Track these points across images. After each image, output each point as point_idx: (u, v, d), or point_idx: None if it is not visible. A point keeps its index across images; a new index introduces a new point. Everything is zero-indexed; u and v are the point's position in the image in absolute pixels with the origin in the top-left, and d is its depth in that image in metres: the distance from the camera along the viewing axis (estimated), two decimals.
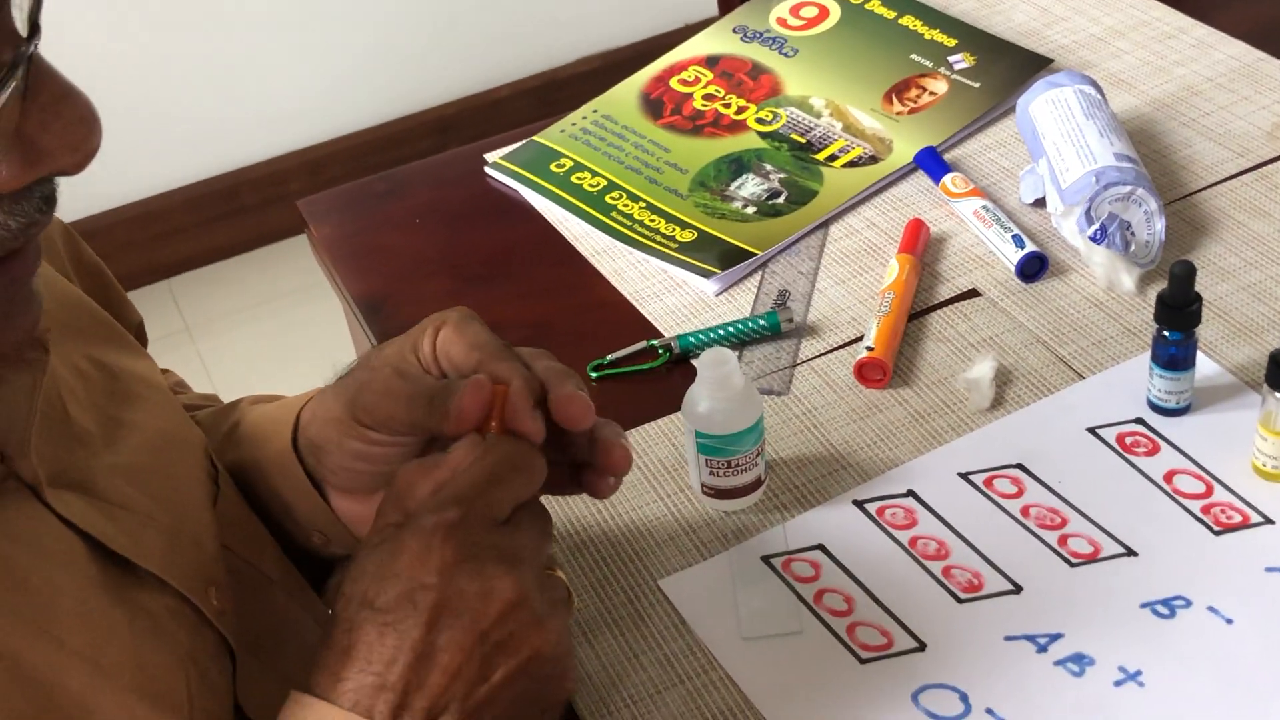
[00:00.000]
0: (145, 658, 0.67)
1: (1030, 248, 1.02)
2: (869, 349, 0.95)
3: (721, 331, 0.99)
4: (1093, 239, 0.99)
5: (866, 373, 0.95)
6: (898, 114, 1.18)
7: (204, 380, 2.40)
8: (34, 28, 0.56)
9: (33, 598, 0.64)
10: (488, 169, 1.21)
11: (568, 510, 0.89)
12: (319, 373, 0.85)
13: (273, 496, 0.84)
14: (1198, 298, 0.87)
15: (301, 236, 2.63)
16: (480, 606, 0.65)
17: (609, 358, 0.99)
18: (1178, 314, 0.87)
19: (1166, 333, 0.88)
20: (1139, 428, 0.90)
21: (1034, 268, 1.02)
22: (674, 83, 1.25)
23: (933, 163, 1.13)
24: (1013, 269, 1.02)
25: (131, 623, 0.67)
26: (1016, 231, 1.03)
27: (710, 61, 1.27)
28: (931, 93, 1.20)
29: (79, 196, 2.40)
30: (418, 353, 0.76)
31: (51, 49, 0.57)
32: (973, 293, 1.02)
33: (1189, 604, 0.79)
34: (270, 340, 2.57)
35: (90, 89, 0.59)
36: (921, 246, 1.05)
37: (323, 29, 2.56)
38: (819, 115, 1.19)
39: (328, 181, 2.50)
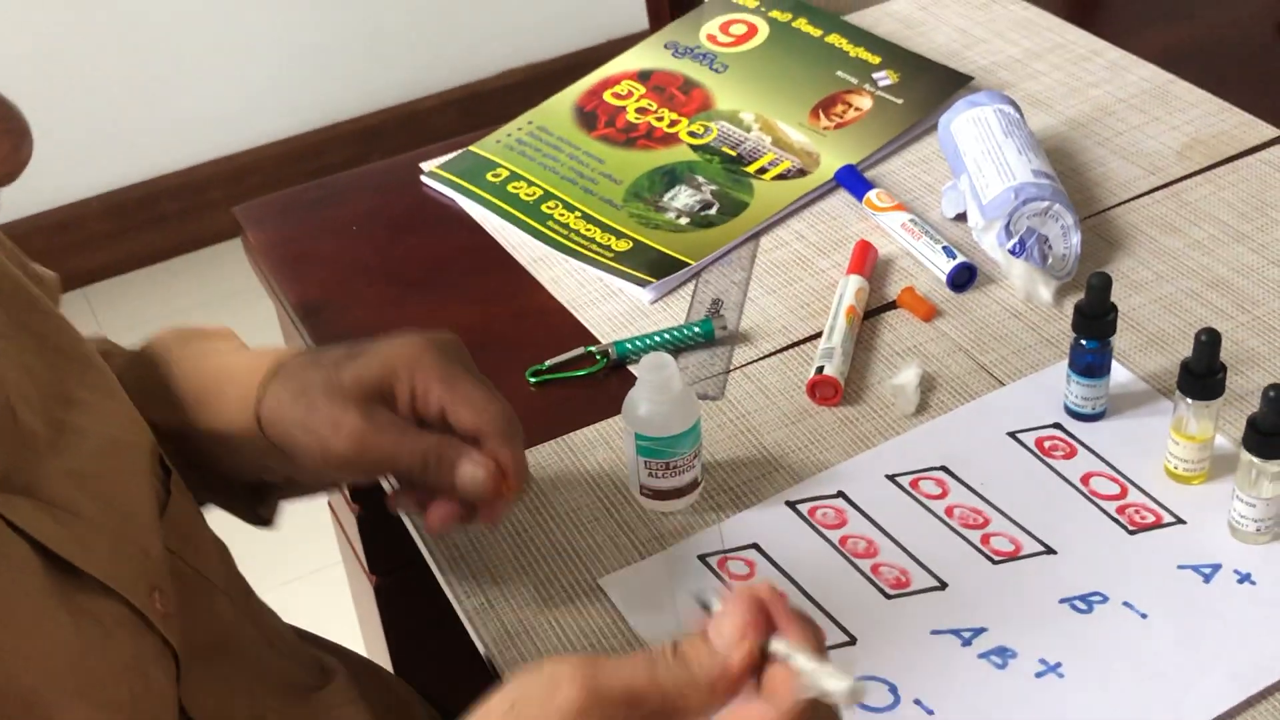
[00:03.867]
0: (90, 664, 0.68)
1: (961, 258, 1.06)
2: (819, 370, 0.97)
3: (658, 338, 1.02)
4: (1012, 252, 1.03)
5: (820, 391, 0.97)
6: (824, 129, 1.22)
7: None
8: None
9: None
10: (424, 178, 1.22)
11: (510, 514, 0.91)
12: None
13: (224, 456, 0.87)
14: (1113, 308, 0.91)
15: (223, 244, 2.63)
16: None
17: (547, 363, 1.01)
18: (1094, 323, 0.91)
19: (1084, 341, 0.92)
20: (1057, 432, 0.94)
21: (964, 277, 1.06)
22: (607, 96, 1.28)
23: (854, 180, 1.16)
24: (944, 279, 1.06)
25: (77, 629, 0.68)
26: (946, 243, 1.07)
27: (642, 76, 1.30)
28: (857, 108, 1.24)
29: None
30: (389, 395, 0.80)
31: None
32: (896, 303, 1.06)
33: (1105, 599, 0.83)
34: None
35: (5, 93, 0.59)
36: (870, 267, 1.07)
37: (245, 37, 2.56)
38: (749, 129, 1.23)
39: (250, 189, 2.48)
